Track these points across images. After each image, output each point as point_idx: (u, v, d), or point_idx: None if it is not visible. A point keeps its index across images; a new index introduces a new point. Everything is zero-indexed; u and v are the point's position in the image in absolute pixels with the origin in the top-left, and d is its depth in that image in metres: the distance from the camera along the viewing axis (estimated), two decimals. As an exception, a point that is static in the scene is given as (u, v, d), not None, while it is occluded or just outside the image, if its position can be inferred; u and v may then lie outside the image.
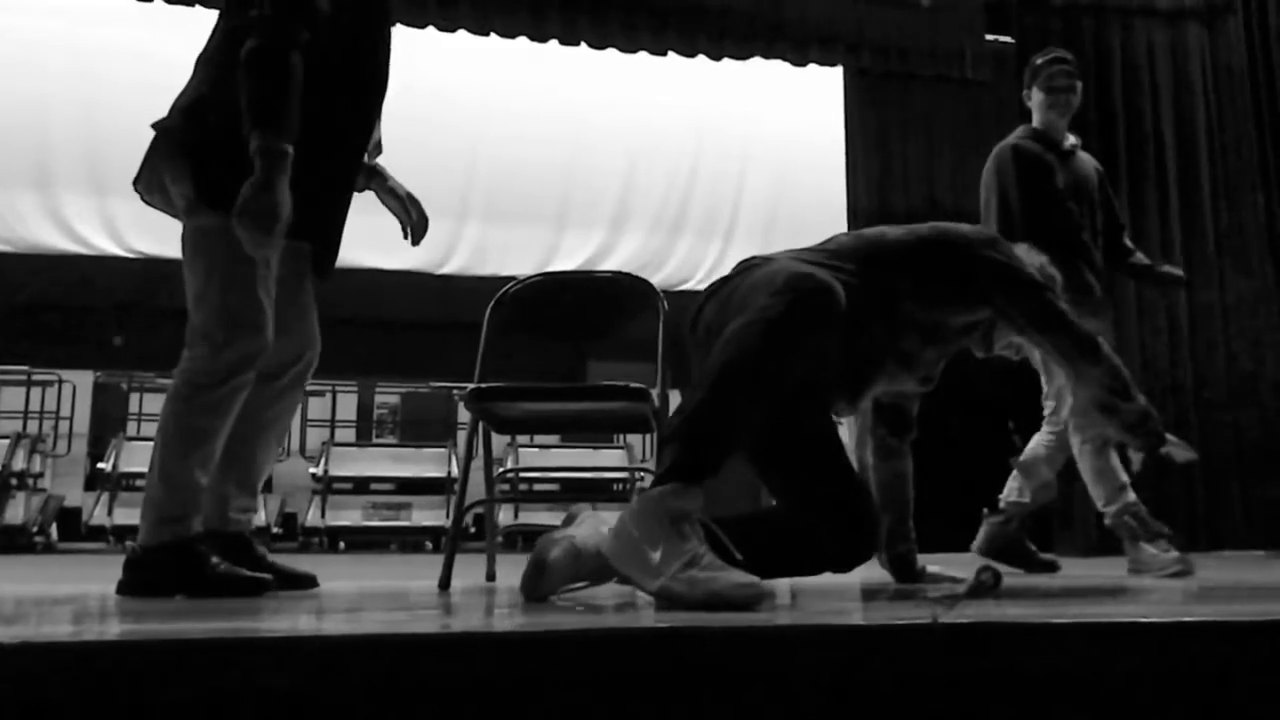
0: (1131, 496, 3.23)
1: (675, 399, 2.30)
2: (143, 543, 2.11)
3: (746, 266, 2.17)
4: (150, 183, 2.25)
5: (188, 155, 2.14)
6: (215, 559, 2.12)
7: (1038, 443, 3.45)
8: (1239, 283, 6.17)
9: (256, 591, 2.09)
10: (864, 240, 2.28)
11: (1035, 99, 3.57)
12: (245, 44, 2.05)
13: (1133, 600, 2.00)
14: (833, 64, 7.18)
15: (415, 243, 2.47)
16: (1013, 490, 3.41)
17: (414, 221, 2.46)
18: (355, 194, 2.47)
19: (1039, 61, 3.61)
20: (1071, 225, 3.41)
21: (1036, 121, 3.56)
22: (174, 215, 2.25)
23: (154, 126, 2.21)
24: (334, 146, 2.26)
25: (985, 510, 3.42)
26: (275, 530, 7.50)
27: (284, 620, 1.62)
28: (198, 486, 2.12)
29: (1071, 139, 3.57)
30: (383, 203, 2.50)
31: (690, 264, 8.41)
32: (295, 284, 2.33)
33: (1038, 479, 3.37)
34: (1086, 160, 3.59)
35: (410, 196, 2.47)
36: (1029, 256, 2.43)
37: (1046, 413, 3.47)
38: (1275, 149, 4.97)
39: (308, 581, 2.40)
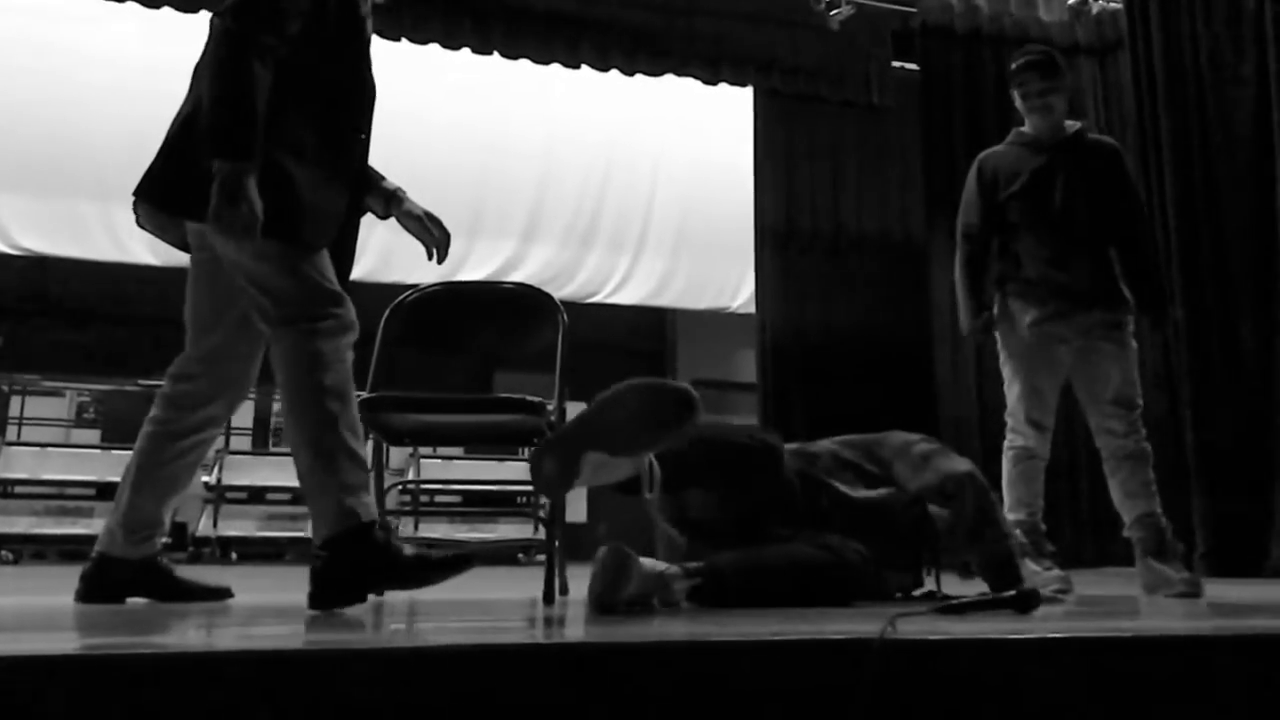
0: (1036, 517, 3.29)
1: (574, 411, 2.31)
2: (330, 534, 1.98)
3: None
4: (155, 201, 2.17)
5: (190, 188, 2.03)
6: (400, 544, 2.03)
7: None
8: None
9: (460, 569, 2.00)
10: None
11: (1018, 102, 3.45)
12: (205, 52, 2.00)
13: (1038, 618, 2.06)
14: (743, 84, 7.27)
15: (440, 261, 2.41)
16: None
17: (436, 240, 2.40)
18: (379, 219, 2.43)
19: (1013, 67, 3.47)
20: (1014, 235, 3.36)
21: (1026, 123, 3.45)
22: (179, 242, 2.22)
23: (139, 193, 2.14)
24: (338, 156, 2.20)
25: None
26: (164, 540, 7.25)
27: (169, 635, 1.56)
28: (359, 453, 2.03)
29: (1075, 125, 3.43)
30: (404, 226, 2.42)
31: (600, 277, 8.42)
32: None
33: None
34: (1094, 147, 3.44)
35: (429, 215, 2.41)
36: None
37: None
38: (1158, 177, 5.22)
39: (222, 594, 2.37)
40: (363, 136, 2.29)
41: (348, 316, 2.11)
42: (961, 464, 2.58)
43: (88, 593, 2.19)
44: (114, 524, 2.24)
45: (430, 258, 2.42)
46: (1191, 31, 5.22)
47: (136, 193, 2.15)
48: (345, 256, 2.26)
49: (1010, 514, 3.26)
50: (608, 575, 1.89)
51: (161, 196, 2.14)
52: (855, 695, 1.21)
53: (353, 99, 2.26)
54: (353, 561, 1.96)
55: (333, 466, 1.99)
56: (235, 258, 2.08)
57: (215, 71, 1.99)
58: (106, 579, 2.20)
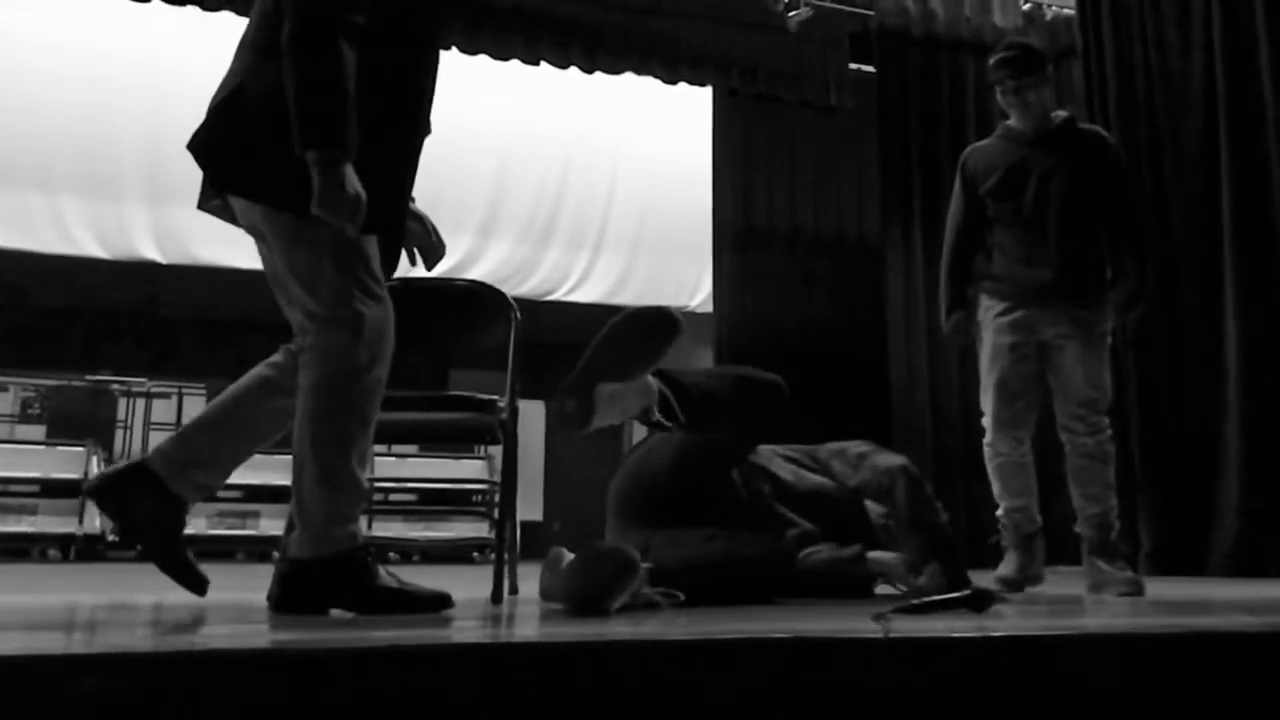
0: (1017, 514, 3.30)
1: (526, 409, 2.31)
2: (305, 555, 1.91)
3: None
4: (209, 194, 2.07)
5: (242, 163, 1.94)
6: (384, 571, 1.96)
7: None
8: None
9: (434, 608, 1.93)
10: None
11: (999, 98, 3.39)
12: (284, 30, 1.86)
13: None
14: (702, 84, 7.29)
15: (429, 269, 2.35)
16: None
17: (433, 245, 2.33)
18: None
19: (989, 63, 3.42)
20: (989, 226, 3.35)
21: (1010, 118, 3.39)
22: (236, 223, 2.10)
23: (193, 146, 2.01)
24: (404, 135, 2.14)
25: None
26: (112, 538, 7.10)
27: (117, 635, 1.53)
28: (362, 484, 1.96)
29: (1061, 116, 3.37)
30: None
31: (558, 274, 8.40)
32: None
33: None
34: (1080, 137, 3.37)
35: (429, 221, 2.33)
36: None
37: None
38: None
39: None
40: (427, 118, 2.20)
41: (389, 318, 2.01)
42: (895, 459, 2.74)
43: (102, 487, 2.06)
44: (180, 455, 2.06)
45: (414, 264, 2.34)
46: (1142, 37, 5.32)
47: (196, 154, 2.01)
48: (392, 257, 2.15)
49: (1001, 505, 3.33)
50: (604, 577, 1.88)
51: (216, 172, 2.01)
52: (860, 693, 1.21)
53: (418, 76, 2.18)
54: (324, 582, 1.92)
55: (334, 494, 1.92)
56: (285, 245, 1.97)
57: (301, 54, 1.85)
58: (138, 493, 2.01)
